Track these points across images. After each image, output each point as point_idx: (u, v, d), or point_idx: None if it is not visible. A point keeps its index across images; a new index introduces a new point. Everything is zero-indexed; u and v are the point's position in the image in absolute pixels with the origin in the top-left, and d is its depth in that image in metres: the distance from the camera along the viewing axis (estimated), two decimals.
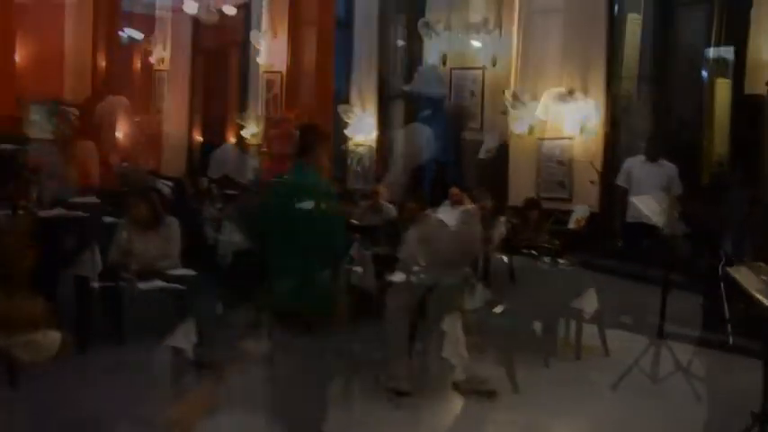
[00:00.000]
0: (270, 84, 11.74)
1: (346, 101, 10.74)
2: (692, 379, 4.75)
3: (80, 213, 5.52)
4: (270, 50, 11.70)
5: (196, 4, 11.47)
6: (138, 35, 12.39)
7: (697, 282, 6.09)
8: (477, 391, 4.54)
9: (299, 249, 3.53)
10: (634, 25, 9.00)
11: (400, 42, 10.31)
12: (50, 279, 4.94)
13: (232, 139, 10.32)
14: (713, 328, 5.48)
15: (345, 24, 11.08)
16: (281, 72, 11.66)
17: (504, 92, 9.25)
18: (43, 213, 5.34)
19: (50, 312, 4.39)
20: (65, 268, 5.20)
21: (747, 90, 7.47)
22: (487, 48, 9.54)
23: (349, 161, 10.66)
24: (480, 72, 9.54)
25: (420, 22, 10.03)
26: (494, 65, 9.55)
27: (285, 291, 3.57)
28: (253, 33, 11.77)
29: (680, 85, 8.87)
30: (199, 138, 12.20)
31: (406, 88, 5.09)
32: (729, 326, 5.32)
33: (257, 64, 11.88)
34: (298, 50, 11.59)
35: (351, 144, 10.75)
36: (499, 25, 9.55)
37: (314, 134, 3.89)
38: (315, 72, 10.96)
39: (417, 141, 4.75)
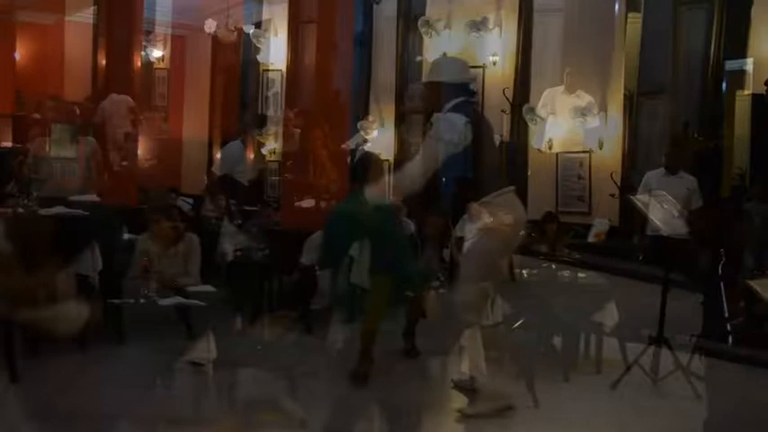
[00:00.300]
0: (270, 82, 11.73)
1: (365, 116, 10.66)
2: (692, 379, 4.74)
3: (80, 212, 5.52)
4: (270, 48, 11.70)
5: (215, 23, 11.68)
6: (159, 53, 12.48)
7: (698, 282, 6.07)
8: (496, 408, 4.45)
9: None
10: (634, 25, 8.99)
11: (419, 58, 10.30)
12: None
13: (251, 155, 10.15)
14: (713, 328, 5.47)
15: (364, 41, 11.09)
16: (281, 70, 11.67)
17: (503, 91, 9.25)
18: (43, 212, 5.34)
19: (74, 284, 4.44)
20: (65, 267, 5.19)
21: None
22: (487, 46, 9.55)
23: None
24: (480, 71, 9.55)
25: (420, 21, 10.04)
26: (494, 63, 9.56)
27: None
28: (253, 31, 11.77)
29: (686, 90, 8.82)
30: (218, 156, 12.13)
31: (425, 81, 4.83)
32: (729, 325, 5.32)
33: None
34: (298, 48, 11.59)
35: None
36: (499, 24, 9.56)
37: (372, 162, 4.29)
38: (315, 70, 10.95)
39: (450, 131, 4.39)
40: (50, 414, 4.09)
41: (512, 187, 4.45)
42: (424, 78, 4.77)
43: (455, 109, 4.43)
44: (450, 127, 4.37)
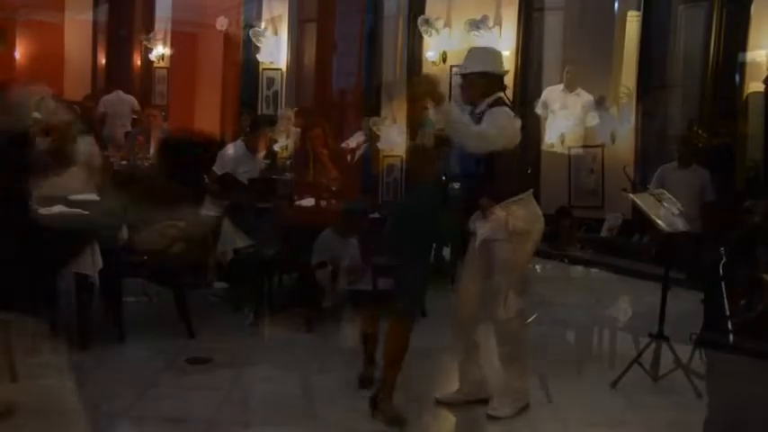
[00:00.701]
0: (270, 81, 11.74)
1: (377, 113, 10.65)
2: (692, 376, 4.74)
3: (80, 211, 5.51)
4: (270, 47, 11.71)
5: (227, 20, 11.73)
6: (167, 51, 12.52)
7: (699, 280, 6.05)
8: (520, 408, 4.38)
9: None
10: (633, 23, 8.99)
11: (430, 53, 10.29)
12: (51, 277, 4.94)
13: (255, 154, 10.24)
14: (714, 326, 5.44)
15: (374, 38, 11.09)
16: (281, 69, 11.69)
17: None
18: (44, 210, 5.33)
19: None
20: (65, 266, 5.20)
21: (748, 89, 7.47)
22: (488, 45, 9.53)
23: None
24: None
25: (420, 20, 10.04)
26: None
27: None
28: (253, 31, 11.78)
29: (690, 86, 8.81)
30: (229, 152, 12.13)
31: (461, 71, 4.56)
32: (730, 323, 5.29)
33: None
34: (298, 47, 11.60)
35: (381, 156, 10.61)
36: (499, 23, 9.56)
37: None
38: (315, 69, 10.96)
39: (510, 126, 4.18)
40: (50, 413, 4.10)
41: (530, 190, 4.37)
42: (462, 68, 4.40)
43: (497, 104, 4.23)
44: (511, 123, 4.19)
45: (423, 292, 4.42)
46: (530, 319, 5.47)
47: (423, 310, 5.70)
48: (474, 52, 4.56)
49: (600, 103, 8.92)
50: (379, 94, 10.70)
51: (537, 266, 6.54)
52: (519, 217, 4.22)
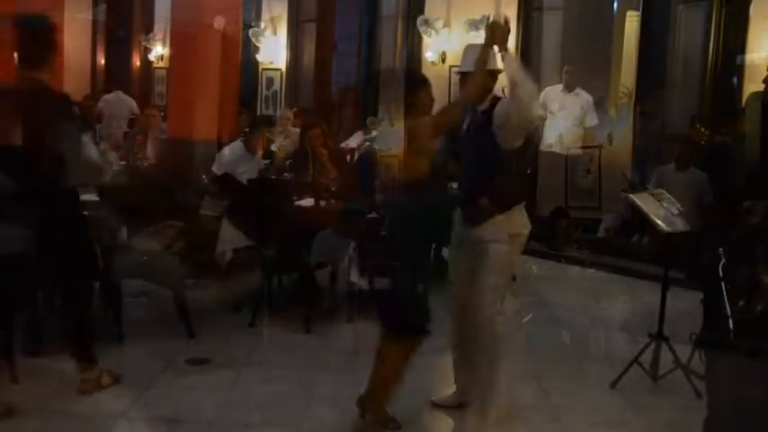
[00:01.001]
0: (269, 81, 11.76)
1: (374, 113, 10.63)
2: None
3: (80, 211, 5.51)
4: (269, 47, 11.72)
5: (224, 20, 11.76)
6: (166, 51, 12.54)
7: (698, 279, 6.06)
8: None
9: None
10: (632, 22, 9.00)
11: (429, 54, 10.30)
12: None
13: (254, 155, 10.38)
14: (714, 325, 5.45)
15: (373, 38, 11.10)
16: (280, 69, 11.70)
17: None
18: None
19: None
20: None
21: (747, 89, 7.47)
22: None
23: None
24: None
25: (419, 20, 10.05)
26: None
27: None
28: (252, 31, 11.79)
29: (689, 87, 8.81)
30: (226, 152, 12.15)
31: (458, 70, 4.54)
32: (730, 323, 5.29)
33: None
34: (298, 47, 11.62)
35: (379, 156, 10.62)
36: None
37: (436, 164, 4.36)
38: (314, 69, 10.97)
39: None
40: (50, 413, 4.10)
41: (523, 202, 4.39)
42: (462, 66, 4.40)
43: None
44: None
45: (424, 292, 4.42)
46: (525, 319, 5.47)
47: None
48: (471, 50, 4.51)
49: (599, 104, 8.93)
50: (377, 94, 10.70)
51: (534, 267, 6.52)
52: (517, 221, 4.25)
